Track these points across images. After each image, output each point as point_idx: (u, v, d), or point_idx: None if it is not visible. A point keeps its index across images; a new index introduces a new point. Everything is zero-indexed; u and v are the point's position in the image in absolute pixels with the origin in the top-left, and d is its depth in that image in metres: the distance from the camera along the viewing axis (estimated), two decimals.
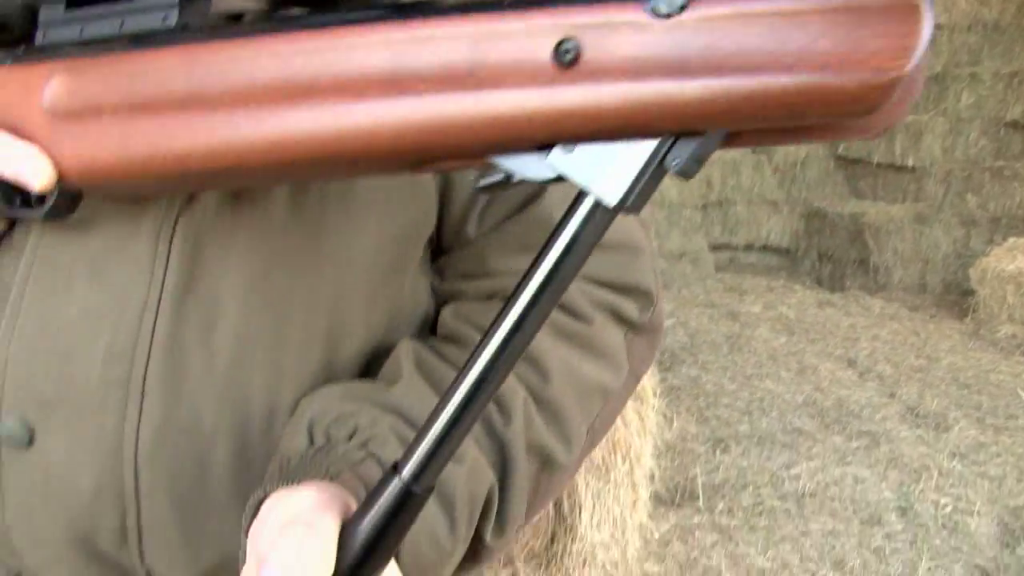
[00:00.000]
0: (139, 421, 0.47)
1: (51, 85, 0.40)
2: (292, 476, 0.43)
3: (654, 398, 2.13)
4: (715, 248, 5.54)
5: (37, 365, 0.48)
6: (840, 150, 5.72)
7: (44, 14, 0.43)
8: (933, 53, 5.20)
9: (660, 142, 0.31)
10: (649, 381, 2.11)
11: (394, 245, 0.54)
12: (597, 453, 2.06)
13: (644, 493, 2.16)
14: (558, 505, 2.06)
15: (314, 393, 0.50)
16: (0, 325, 0.48)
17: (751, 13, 0.28)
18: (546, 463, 0.53)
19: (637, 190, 0.31)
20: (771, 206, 5.69)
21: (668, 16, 0.29)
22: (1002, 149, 5.32)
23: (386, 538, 0.37)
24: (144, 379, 0.47)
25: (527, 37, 0.31)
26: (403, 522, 0.37)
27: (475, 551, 0.51)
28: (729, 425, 3.37)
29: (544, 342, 0.53)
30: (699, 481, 2.89)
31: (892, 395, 3.79)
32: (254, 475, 0.50)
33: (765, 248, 5.78)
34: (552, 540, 2.03)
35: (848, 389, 3.83)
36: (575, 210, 0.32)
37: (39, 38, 0.43)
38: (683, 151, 0.31)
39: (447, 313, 0.57)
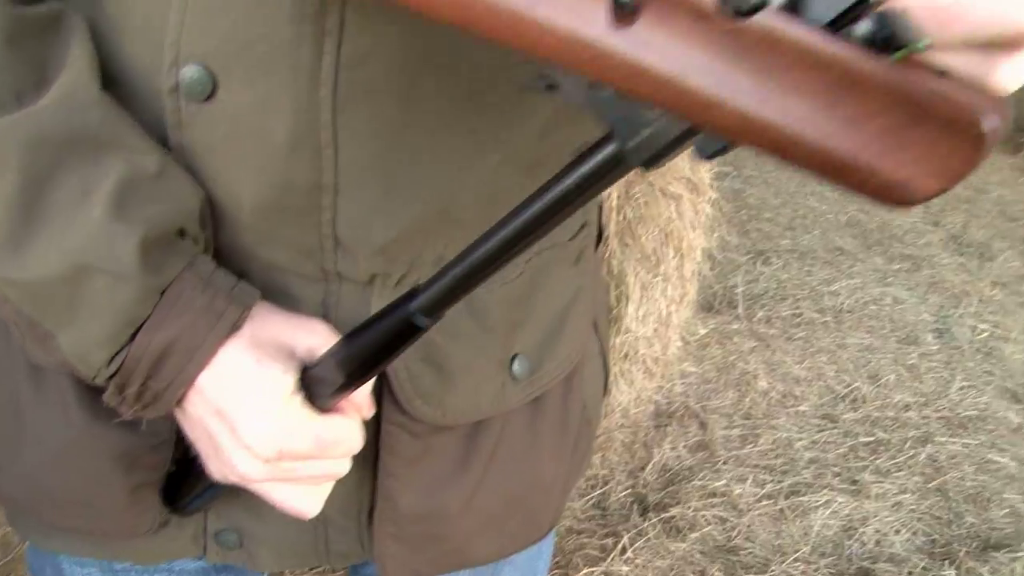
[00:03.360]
0: (337, 57, 0.43)
1: None
2: None
3: (711, 191, 2.02)
4: None
5: (217, 5, 0.43)
6: None
7: None
8: None
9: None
10: (707, 173, 2.00)
11: None
12: (649, 244, 1.99)
13: (692, 289, 2.10)
14: None
15: None
16: None
17: (816, 62, 0.26)
18: None
19: (665, 156, 0.32)
20: None
21: (736, 16, 0.27)
22: None
23: (377, 359, 0.40)
24: (343, 8, 0.42)
25: None
26: (398, 347, 0.40)
27: None
28: (771, 239, 3.29)
29: None
30: (738, 290, 2.85)
31: (936, 223, 3.70)
32: (468, 107, 0.46)
33: None
34: None
35: (892, 213, 3.73)
36: (598, 151, 0.33)
37: None
38: (711, 145, 0.31)
39: None
